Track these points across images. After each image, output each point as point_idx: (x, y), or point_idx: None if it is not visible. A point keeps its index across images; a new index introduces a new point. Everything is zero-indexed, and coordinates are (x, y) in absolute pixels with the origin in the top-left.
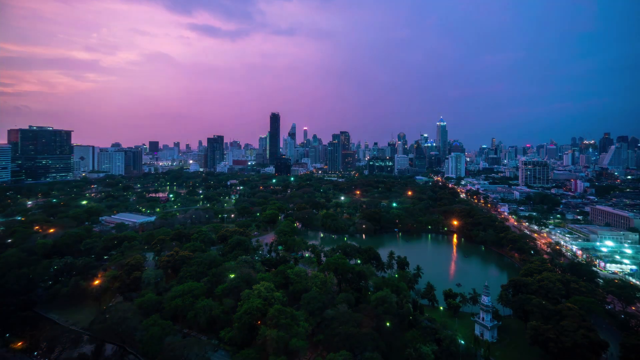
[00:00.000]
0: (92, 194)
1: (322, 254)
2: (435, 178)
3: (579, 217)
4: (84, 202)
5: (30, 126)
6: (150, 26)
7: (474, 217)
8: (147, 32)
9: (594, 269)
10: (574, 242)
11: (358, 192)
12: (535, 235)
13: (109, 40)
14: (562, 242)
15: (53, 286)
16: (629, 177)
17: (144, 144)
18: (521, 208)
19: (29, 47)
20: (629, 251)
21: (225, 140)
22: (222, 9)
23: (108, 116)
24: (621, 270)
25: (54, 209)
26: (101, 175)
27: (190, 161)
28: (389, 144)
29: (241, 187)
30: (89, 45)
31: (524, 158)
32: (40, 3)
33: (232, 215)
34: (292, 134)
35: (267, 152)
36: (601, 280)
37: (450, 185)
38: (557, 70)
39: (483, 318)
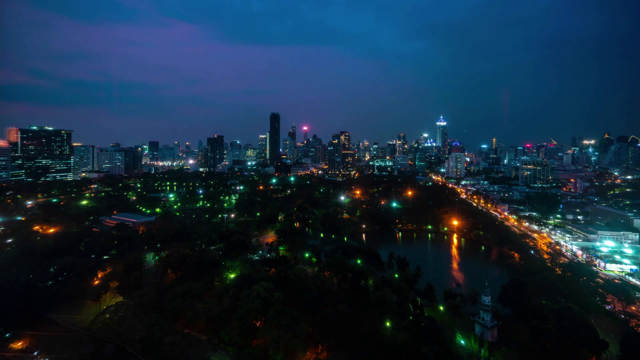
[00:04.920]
0: (92, 194)
1: (322, 254)
2: (435, 178)
3: (579, 217)
4: (84, 202)
5: (30, 126)
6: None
7: (474, 217)
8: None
9: (594, 268)
10: (574, 242)
11: (358, 192)
12: (535, 235)
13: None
14: (562, 242)
15: (53, 286)
16: (629, 177)
17: (143, 144)
18: (521, 208)
19: None
20: (629, 251)
21: (225, 140)
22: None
23: (108, 116)
24: (621, 270)
25: (54, 208)
26: (101, 174)
27: (190, 161)
28: (389, 144)
29: (241, 187)
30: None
31: (524, 158)
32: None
33: (232, 215)
34: (292, 134)
35: (267, 152)
36: (601, 280)
37: (450, 185)
38: (557, 69)
39: (483, 318)
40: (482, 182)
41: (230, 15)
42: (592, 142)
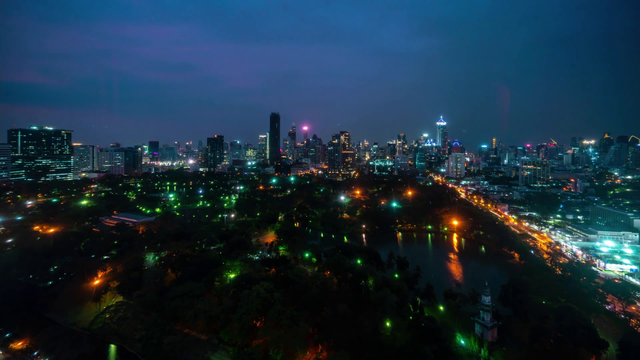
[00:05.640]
0: (92, 194)
1: (322, 254)
2: (435, 178)
3: (579, 217)
4: (84, 202)
5: (30, 126)
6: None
7: (474, 217)
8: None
9: (594, 268)
10: (574, 242)
11: (358, 192)
12: (535, 235)
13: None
14: (562, 242)
15: (53, 286)
16: (629, 177)
17: (143, 144)
18: (521, 208)
19: None
20: (629, 251)
21: (225, 140)
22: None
23: (107, 116)
24: (621, 270)
25: (54, 208)
26: (101, 174)
27: (190, 161)
28: (389, 144)
29: (241, 187)
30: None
31: (524, 158)
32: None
33: (232, 215)
34: (292, 134)
35: (267, 152)
36: (601, 280)
37: (450, 185)
38: (557, 69)
39: (483, 318)
40: (482, 182)
41: (230, 13)
42: (592, 142)
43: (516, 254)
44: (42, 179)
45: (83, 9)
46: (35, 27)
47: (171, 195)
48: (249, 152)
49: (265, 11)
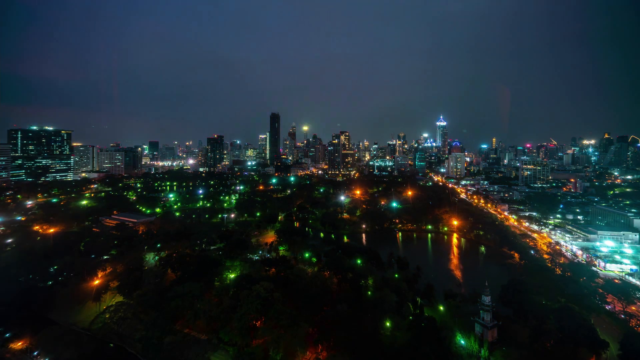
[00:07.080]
0: (92, 194)
1: (322, 254)
2: (435, 178)
3: (579, 217)
4: (84, 202)
5: (30, 126)
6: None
7: (474, 217)
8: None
9: (594, 268)
10: (574, 242)
11: (358, 192)
12: (535, 235)
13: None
14: (562, 242)
15: (53, 286)
16: (629, 177)
17: (143, 144)
18: (521, 208)
19: None
20: (629, 251)
21: (225, 140)
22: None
23: (106, 115)
24: (621, 270)
25: (54, 208)
26: (101, 174)
27: (190, 161)
28: (389, 144)
29: (241, 187)
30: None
31: (524, 158)
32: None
33: (232, 215)
34: (292, 134)
35: (267, 152)
36: (601, 280)
37: (450, 185)
38: (557, 69)
39: (483, 318)
40: (482, 182)
41: (230, 10)
42: (592, 142)
43: (516, 254)
44: (42, 179)
45: (84, 7)
46: (36, 24)
47: (171, 195)
48: (249, 152)
49: (265, 6)
